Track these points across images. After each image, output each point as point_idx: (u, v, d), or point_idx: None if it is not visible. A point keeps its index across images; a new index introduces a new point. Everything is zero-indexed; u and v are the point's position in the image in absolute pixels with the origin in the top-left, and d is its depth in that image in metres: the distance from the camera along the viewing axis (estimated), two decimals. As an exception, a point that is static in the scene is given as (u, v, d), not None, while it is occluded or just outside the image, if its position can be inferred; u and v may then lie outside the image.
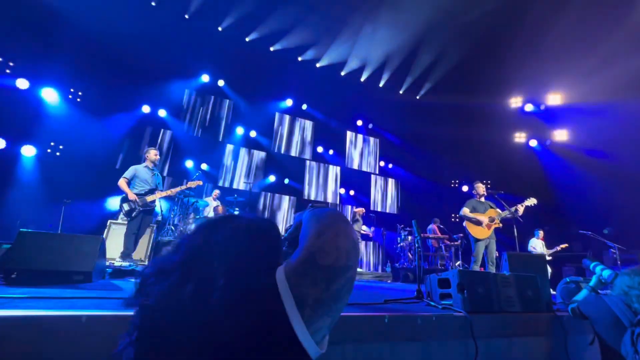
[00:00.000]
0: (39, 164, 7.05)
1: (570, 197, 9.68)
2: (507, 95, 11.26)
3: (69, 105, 7.68)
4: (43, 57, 7.17)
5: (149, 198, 4.62)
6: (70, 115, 7.59)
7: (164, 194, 4.82)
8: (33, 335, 1.12)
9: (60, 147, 7.51)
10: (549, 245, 7.63)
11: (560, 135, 10.75)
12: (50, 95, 7.35)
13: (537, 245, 7.64)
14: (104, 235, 5.57)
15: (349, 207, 11.37)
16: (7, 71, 6.90)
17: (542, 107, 10.97)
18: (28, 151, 6.95)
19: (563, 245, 7.53)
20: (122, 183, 4.60)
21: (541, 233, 7.79)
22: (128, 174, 4.70)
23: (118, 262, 4.30)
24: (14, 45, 6.91)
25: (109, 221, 5.77)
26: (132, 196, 4.49)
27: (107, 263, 3.24)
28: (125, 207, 4.51)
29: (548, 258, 7.45)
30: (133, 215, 4.51)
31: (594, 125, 9.58)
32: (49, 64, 7.24)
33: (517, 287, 2.35)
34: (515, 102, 11.29)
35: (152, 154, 4.88)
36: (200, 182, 5.45)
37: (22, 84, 6.96)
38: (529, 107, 11.13)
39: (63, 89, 7.60)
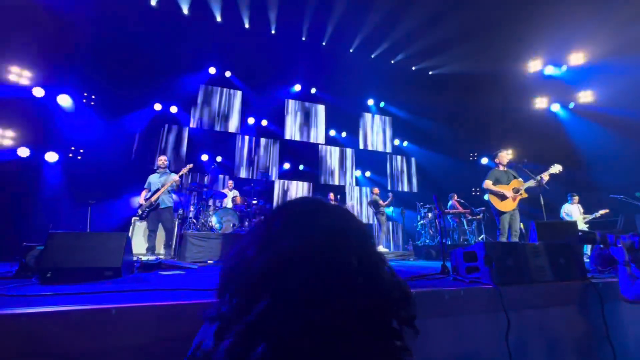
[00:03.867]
0: (63, 168, 7.30)
1: (599, 161, 9.20)
2: (524, 58, 10.64)
3: (84, 110, 7.86)
4: (55, 64, 7.30)
5: (152, 198, 5.16)
6: (87, 119, 7.78)
7: (161, 190, 5.21)
8: (66, 329, 1.16)
9: (81, 150, 7.74)
10: (585, 211, 7.21)
11: (585, 96, 10.14)
12: (65, 101, 7.52)
13: (571, 211, 7.16)
14: (130, 232, 5.77)
15: (366, 189, 11.28)
16: (23, 81, 7.07)
17: (564, 68, 10.34)
18: (51, 157, 7.19)
19: (603, 211, 6.99)
20: (142, 192, 5.34)
21: (576, 198, 7.26)
22: (146, 183, 5.41)
23: (145, 257, 4.45)
24: (27, 54, 7.06)
25: (133, 218, 5.96)
26: (141, 201, 5.22)
27: (134, 258, 3.34)
28: (139, 211, 5.21)
29: (585, 225, 7.07)
30: (143, 216, 5.17)
31: (622, 83, 8.98)
32: (61, 70, 7.39)
33: (548, 256, 2.26)
34: (534, 65, 10.68)
35: (158, 160, 5.57)
36: (191, 166, 5.64)
37: (38, 92, 7.14)
38: (549, 70, 10.50)
39: (77, 94, 7.76)
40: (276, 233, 0.57)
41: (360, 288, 0.51)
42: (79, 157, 7.72)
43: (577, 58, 10.03)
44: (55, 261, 2.43)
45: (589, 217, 7.09)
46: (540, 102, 10.88)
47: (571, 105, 10.31)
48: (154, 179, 5.38)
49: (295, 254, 0.53)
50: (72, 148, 7.62)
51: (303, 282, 0.50)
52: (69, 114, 7.59)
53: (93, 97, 8.11)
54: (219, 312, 0.55)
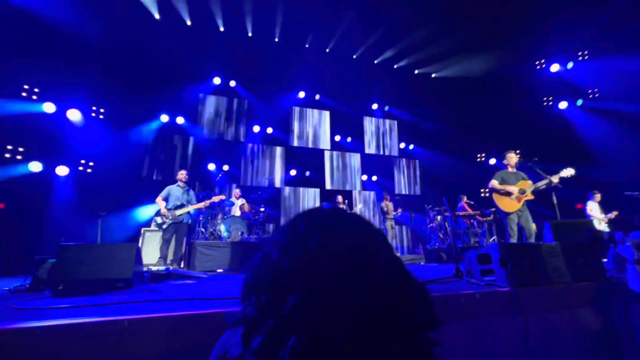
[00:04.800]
0: (73, 181, 7.41)
1: (611, 158, 9.02)
2: (530, 58, 10.58)
3: (93, 123, 8.00)
4: (63, 79, 7.46)
5: (178, 212, 5.26)
6: (96, 133, 7.91)
7: (188, 209, 5.38)
8: (79, 342, 1.15)
9: (91, 163, 7.86)
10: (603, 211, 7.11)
11: (593, 92, 10.01)
12: (74, 116, 7.67)
13: (595, 208, 7.06)
14: (140, 243, 5.82)
15: (373, 193, 11.22)
16: (34, 97, 7.24)
17: (570, 66, 10.23)
18: (62, 171, 7.31)
19: (615, 213, 6.99)
20: (158, 200, 5.38)
21: (597, 196, 7.12)
22: (163, 193, 5.43)
23: (155, 267, 4.47)
24: (37, 71, 7.23)
25: (142, 229, 6.01)
26: (163, 211, 5.24)
27: (145, 269, 3.35)
28: (158, 220, 5.29)
29: (605, 225, 6.94)
30: (164, 227, 5.21)
31: (630, 78, 8.85)
32: (70, 85, 7.55)
33: (565, 256, 2.20)
34: (539, 64, 10.60)
35: (179, 174, 5.63)
36: (224, 197, 6.04)
37: (49, 108, 7.29)
38: (555, 68, 10.41)
39: (85, 108, 7.91)
40: (301, 235, 0.57)
41: (389, 283, 0.52)
42: (89, 170, 7.84)
43: (582, 55, 9.95)
44: (67, 273, 2.44)
45: (606, 217, 6.98)
46: (547, 100, 10.76)
47: (579, 102, 10.17)
48: (176, 193, 5.43)
49: (323, 251, 0.53)
50: (82, 161, 7.74)
51: (332, 277, 0.50)
52: (78, 128, 7.73)
53: (102, 110, 8.25)
54: (244, 313, 0.55)
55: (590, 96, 10.07)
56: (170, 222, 5.18)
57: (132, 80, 8.29)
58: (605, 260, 3.20)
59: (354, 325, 0.46)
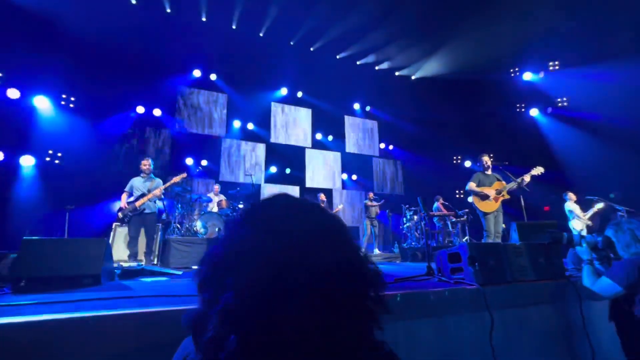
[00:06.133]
0: (39, 172, 7.03)
1: (575, 164, 9.56)
2: (504, 65, 11.02)
3: (63, 112, 7.61)
4: (31, 64, 7.05)
5: (137, 203, 4.99)
6: (65, 122, 7.53)
7: (148, 196, 5.06)
8: (39, 340, 1.10)
9: (59, 154, 7.47)
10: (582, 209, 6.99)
11: (562, 101, 10.57)
12: (42, 103, 7.27)
13: (575, 208, 6.92)
14: (110, 238, 5.61)
15: (353, 192, 11.34)
16: (-4, 82, 6.80)
17: (541, 75, 10.74)
18: (27, 161, 6.92)
19: (599, 205, 6.73)
20: (122, 196, 5.15)
21: (571, 194, 6.94)
22: (127, 187, 5.22)
23: (126, 264, 4.32)
24: (1, 54, 6.79)
25: (114, 224, 5.79)
26: (122, 205, 5.04)
27: (115, 265, 3.23)
28: (120, 215, 5.03)
29: (588, 222, 6.89)
30: (126, 220, 5.00)
31: (595, 89, 9.41)
32: (38, 71, 7.14)
33: (529, 255, 2.32)
34: (513, 71, 11.06)
35: (142, 164, 5.33)
36: (185, 175, 5.51)
37: (13, 93, 6.87)
38: (527, 76, 10.90)
39: (55, 95, 7.51)
40: (241, 229, 0.55)
41: (335, 277, 0.49)
42: (57, 161, 7.46)
43: (553, 65, 10.47)
44: (29, 269, 2.32)
45: (588, 214, 6.94)
46: (520, 107, 11.25)
47: (549, 109, 10.70)
48: (137, 183, 5.19)
49: (259, 244, 0.51)
50: (50, 151, 7.36)
51: (267, 273, 0.48)
52: (46, 117, 7.33)
53: (72, 99, 7.85)
54: (195, 312, 0.53)
55: (560, 104, 10.62)
56: (131, 215, 4.93)
57: (107, 68, 7.91)
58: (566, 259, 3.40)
59: (293, 322, 0.45)
